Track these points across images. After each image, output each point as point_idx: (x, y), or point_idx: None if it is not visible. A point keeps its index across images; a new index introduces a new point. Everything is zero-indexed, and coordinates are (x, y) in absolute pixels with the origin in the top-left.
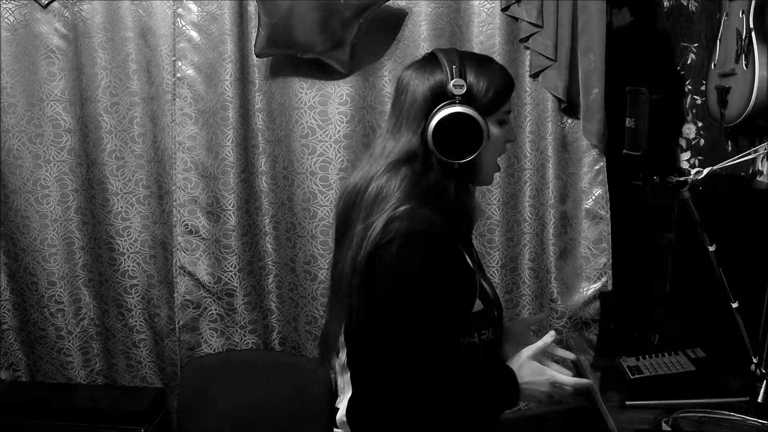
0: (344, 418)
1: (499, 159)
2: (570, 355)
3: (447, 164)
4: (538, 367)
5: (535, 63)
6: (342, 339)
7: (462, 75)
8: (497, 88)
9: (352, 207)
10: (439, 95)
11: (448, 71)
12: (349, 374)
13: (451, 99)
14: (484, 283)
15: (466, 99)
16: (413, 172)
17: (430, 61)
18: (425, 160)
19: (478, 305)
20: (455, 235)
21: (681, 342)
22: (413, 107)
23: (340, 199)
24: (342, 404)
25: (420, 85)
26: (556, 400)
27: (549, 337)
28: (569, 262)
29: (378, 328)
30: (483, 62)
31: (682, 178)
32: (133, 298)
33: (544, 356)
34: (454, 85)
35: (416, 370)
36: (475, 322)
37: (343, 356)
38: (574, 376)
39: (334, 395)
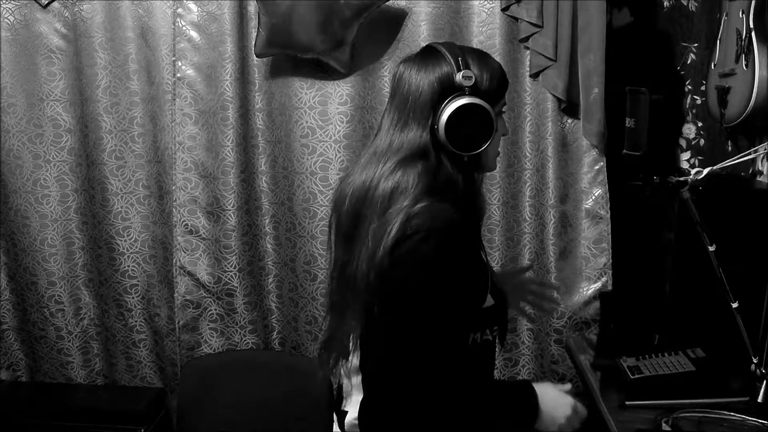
0: (355, 421)
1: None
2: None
3: (457, 156)
4: (560, 392)
5: (535, 63)
6: (348, 341)
7: (467, 66)
8: (498, 80)
9: (362, 205)
10: (447, 87)
11: (453, 63)
12: (359, 377)
13: (459, 91)
14: (493, 278)
15: (473, 90)
16: (428, 167)
17: (430, 54)
18: (436, 153)
19: (489, 300)
20: (471, 228)
21: (681, 342)
22: (419, 100)
23: (345, 197)
24: (351, 408)
25: (425, 77)
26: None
27: (566, 387)
28: (569, 262)
29: (396, 324)
30: (482, 55)
31: (682, 178)
32: (133, 298)
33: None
34: (463, 77)
35: (433, 366)
36: (487, 318)
37: (353, 359)
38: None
39: (337, 396)
